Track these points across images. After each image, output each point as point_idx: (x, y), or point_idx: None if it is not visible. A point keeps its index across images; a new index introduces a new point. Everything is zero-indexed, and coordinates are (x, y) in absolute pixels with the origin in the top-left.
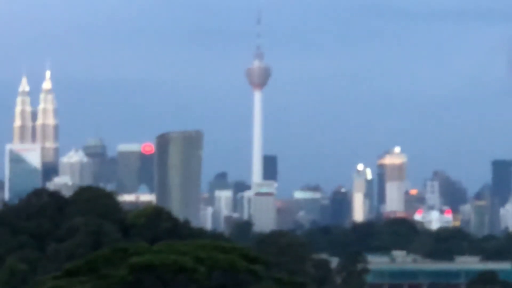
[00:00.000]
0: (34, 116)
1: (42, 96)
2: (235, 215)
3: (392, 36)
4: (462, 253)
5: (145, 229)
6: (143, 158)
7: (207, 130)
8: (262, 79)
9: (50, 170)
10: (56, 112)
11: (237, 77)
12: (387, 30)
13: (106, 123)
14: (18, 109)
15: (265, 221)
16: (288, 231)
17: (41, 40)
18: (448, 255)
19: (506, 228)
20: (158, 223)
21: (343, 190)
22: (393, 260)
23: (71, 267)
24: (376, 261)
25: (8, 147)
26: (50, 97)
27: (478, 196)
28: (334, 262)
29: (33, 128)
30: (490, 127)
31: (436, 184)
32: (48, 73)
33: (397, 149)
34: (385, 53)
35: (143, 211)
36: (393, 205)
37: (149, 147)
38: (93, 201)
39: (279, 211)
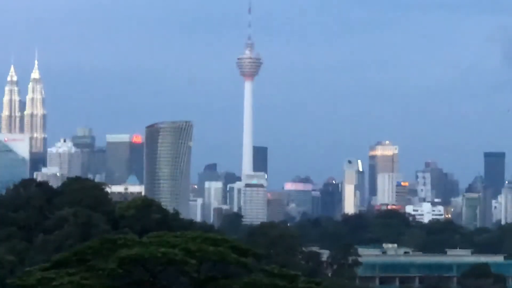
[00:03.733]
0: (22, 105)
1: (30, 85)
2: (225, 206)
3: (385, 27)
4: (454, 245)
5: (134, 221)
6: (132, 149)
7: (197, 121)
8: (253, 69)
9: (38, 160)
10: (45, 102)
11: (227, 67)
12: (380, 21)
13: (95, 113)
14: (6, 98)
15: (255, 213)
16: (278, 223)
17: (30, 29)
18: (440, 248)
19: (498, 220)
20: (147, 214)
21: (334, 182)
22: (384, 252)
23: (59, 259)
24: (367, 254)
25: None
26: (38, 86)
27: (470, 188)
28: (325, 254)
29: (21, 118)
30: (483, 118)
31: (428, 176)
32: (36, 63)
33: (389, 141)
34: (378, 43)
35: (132, 202)
36: (385, 197)
37: (138, 138)
38: (82, 192)
39: (270, 202)
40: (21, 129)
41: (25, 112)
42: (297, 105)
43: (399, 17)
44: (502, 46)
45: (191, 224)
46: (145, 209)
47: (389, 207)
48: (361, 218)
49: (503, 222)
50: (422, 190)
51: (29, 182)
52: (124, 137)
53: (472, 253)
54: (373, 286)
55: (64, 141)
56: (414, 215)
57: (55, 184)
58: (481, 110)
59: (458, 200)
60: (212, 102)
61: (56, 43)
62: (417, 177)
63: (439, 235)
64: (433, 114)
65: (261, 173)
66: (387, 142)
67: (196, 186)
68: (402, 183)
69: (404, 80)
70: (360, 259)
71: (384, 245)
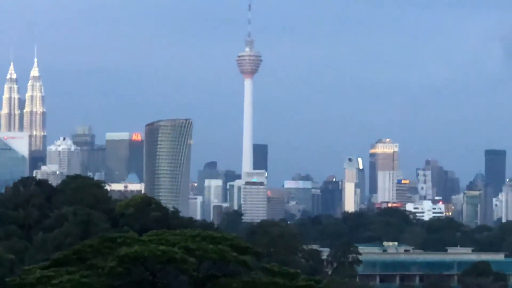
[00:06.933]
0: (21, 103)
1: (29, 83)
2: (225, 204)
3: (386, 24)
4: (454, 243)
5: (134, 219)
6: (132, 147)
7: (196, 119)
8: (252, 67)
9: (37, 158)
10: (44, 100)
11: (227, 65)
12: (380, 19)
13: (95, 111)
14: (5, 96)
15: (255, 210)
16: (278, 221)
17: (29, 28)
18: (440, 246)
19: (499, 218)
20: (147, 212)
21: (334, 179)
22: (385, 250)
23: (59, 257)
24: (368, 252)
25: None
26: (38, 84)
27: (471, 186)
28: (325, 252)
29: (21, 116)
30: (484, 116)
31: (428, 174)
32: (35, 61)
33: (389, 138)
34: (378, 41)
35: (132, 201)
36: (385, 195)
37: (137, 136)
38: (82, 190)
39: (270, 200)
40: (21, 127)
41: (25, 110)
42: (297, 103)
43: (399, 14)
44: (503, 43)
45: (190, 222)
46: (144, 207)
47: (389, 205)
48: (361, 216)
49: (504, 220)
50: (422, 188)
51: (28, 180)
52: (123, 135)
53: (473, 251)
54: (373, 284)
55: (64, 139)
56: (414, 213)
57: (54, 182)
58: (482, 108)
59: (459, 198)
60: (212, 99)
61: (56, 41)
62: (417, 174)
63: (440, 233)
64: (433, 112)
65: (261, 171)
66: (387, 140)
67: (196, 184)
68: (403, 181)
69: (404, 77)
70: (360, 257)
71: (384, 243)
